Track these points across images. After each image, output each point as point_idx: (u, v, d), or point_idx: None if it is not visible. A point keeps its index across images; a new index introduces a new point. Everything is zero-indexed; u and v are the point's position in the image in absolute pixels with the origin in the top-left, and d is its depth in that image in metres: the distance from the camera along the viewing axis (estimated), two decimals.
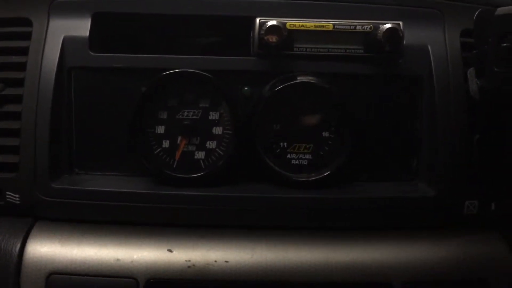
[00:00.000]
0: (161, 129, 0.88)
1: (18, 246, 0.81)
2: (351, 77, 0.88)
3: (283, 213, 0.86)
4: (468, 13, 0.86)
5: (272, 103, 0.87)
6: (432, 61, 0.88)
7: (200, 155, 0.88)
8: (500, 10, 0.76)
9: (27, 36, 0.88)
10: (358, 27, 0.86)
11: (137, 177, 0.90)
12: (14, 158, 0.85)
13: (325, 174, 0.88)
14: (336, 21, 0.86)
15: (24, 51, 0.87)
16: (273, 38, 0.84)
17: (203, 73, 0.85)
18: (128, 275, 0.80)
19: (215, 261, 0.81)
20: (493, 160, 0.86)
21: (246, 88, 0.88)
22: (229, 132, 0.88)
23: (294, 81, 0.86)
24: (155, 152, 0.88)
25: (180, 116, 0.87)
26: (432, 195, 0.86)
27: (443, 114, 0.86)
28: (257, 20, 0.85)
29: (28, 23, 0.89)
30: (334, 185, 0.88)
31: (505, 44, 0.75)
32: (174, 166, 0.88)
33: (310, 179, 0.88)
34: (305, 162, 0.89)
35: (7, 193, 0.85)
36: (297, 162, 0.89)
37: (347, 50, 0.87)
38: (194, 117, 0.88)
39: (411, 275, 0.82)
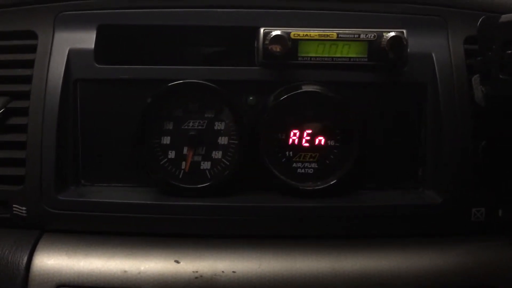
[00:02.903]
0: (166, 140, 0.88)
1: (25, 258, 0.81)
2: (356, 85, 0.88)
3: (290, 222, 0.86)
4: (471, 20, 0.86)
5: (277, 112, 0.87)
6: (436, 68, 0.88)
7: (206, 165, 0.88)
8: (504, 17, 0.76)
9: (32, 49, 0.88)
10: (362, 36, 0.86)
11: (143, 188, 0.90)
12: (20, 171, 0.85)
13: (331, 182, 0.88)
14: (340, 30, 0.86)
15: (30, 64, 0.88)
16: (277, 48, 0.85)
17: (208, 83, 0.86)
18: (135, 287, 0.80)
19: (223, 271, 0.81)
20: (499, 166, 0.86)
21: (251, 98, 0.88)
22: (234, 142, 0.88)
23: (299, 90, 0.86)
24: (161, 163, 0.88)
25: (186, 127, 0.88)
26: (438, 202, 0.86)
27: (448, 121, 0.86)
28: (261, 30, 0.86)
29: (34, 36, 0.89)
30: (340, 193, 0.88)
31: (509, 51, 0.75)
32: (180, 176, 0.88)
33: (316, 187, 0.88)
34: (311, 171, 0.89)
35: (14, 205, 0.85)
36: (303, 171, 0.89)
37: (351, 59, 0.87)
38: (200, 127, 0.88)
39: (419, 283, 0.82)
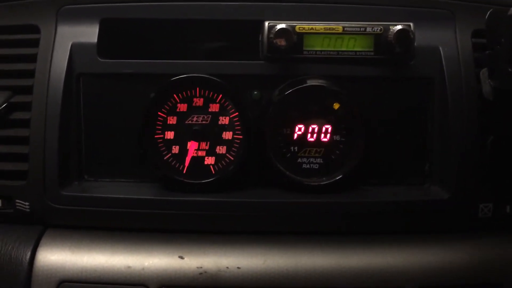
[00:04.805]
0: (170, 135, 0.87)
1: (29, 254, 0.81)
2: (362, 79, 0.87)
3: (295, 218, 0.85)
4: (479, 13, 0.85)
5: (282, 107, 0.86)
6: (443, 62, 0.87)
7: (210, 160, 0.88)
8: None
9: (35, 43, 0.88)
10: (368, 29, 0.85)
11: (147, 183, 0.89)
12: (23, 166, 0.85)
13: (337, 178, 0.87)
14: (346, 23, 0.85)
15: (33, 58, 0.87)
16: (282, 42, 0.84)
17: (212, 78, 0.85)
18: (139, 283, 0.79)
19: (227, 267, 0.80)
20: (507, 161, 0.85)
21: (255, 92, 0.88)
22: (239, 137, 0.87)
23: (304, 85, 0.85)
24: (165, 158, 0.87)
25: (190, 122, 0.87)
26: (445, 198, 0.85)
27: (455, 115, 0.85)
28: (266, 23, 0.85)
29: (36, 30, 0.88)
30: (345, 189, 0.87)
31: None
32: (184, 172, 0.87)
33: (322, 183, 0.87)
34: (316, 166, 0.88)
35: (17, 201, 0.85)
36: (308, 166, 0.88)
37: (357, 53, 0.86)
38: (204, 122, 0.87)
39: (425, 280, 0.81)
